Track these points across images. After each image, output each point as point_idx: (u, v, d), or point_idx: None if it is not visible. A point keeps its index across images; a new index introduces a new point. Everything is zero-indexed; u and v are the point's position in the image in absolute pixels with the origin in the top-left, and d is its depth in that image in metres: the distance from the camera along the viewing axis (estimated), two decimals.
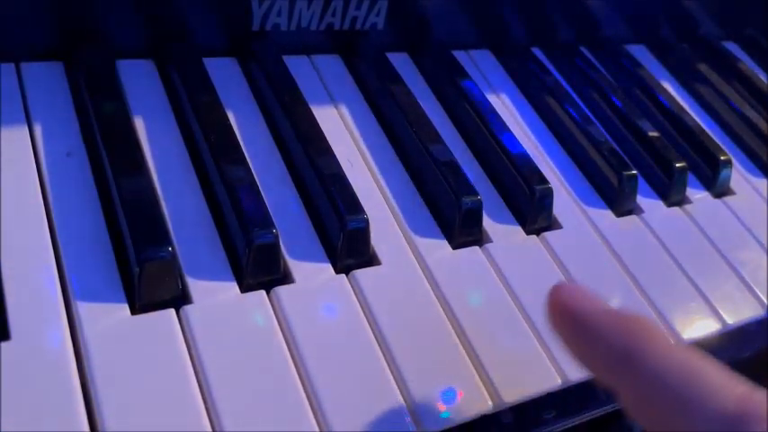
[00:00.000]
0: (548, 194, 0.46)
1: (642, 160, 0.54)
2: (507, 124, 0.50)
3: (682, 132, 0.59)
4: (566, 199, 0.49)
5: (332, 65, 0.52)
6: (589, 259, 0.45)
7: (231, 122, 0.42)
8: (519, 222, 0.45)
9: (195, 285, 0.35)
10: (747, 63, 0.73)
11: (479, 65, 0.59)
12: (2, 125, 0.38)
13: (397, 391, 0.33)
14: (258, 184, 0.39)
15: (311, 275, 0.37)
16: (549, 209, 0.46)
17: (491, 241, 0.43)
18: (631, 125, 0.56)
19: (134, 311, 0.33)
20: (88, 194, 0.37)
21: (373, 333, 0.35)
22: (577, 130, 0.53)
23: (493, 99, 0.55)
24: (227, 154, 0.40)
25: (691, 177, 0.54)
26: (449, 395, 0.34)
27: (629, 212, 0.50)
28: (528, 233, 0.45)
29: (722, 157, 0.55)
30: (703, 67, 0.69)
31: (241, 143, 0.41)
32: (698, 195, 0.54)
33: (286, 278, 0.37)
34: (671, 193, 0.52)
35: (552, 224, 0.47)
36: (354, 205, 0.39)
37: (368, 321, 0.36)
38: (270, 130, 0.45)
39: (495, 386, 0.35)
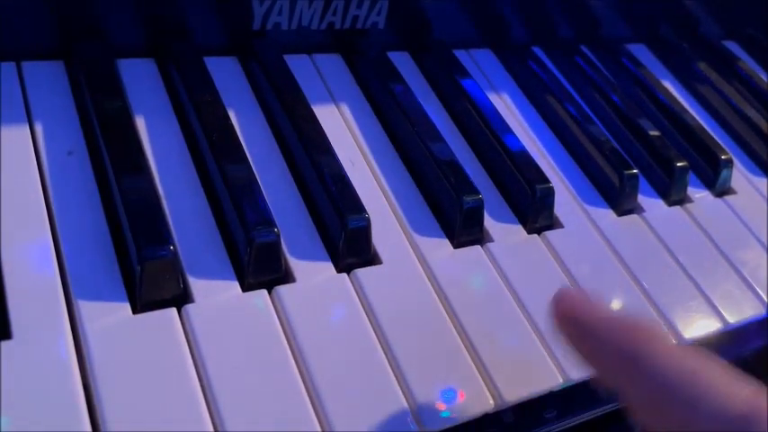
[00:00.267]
0: (549, 193, 0.46)
1: (643, 159, 0.54)
2: (508, 123, 0.50)
3: (682, 131, 0.59)
4: (567, 198, 0.49)
5: (333, 64, 0.52)
6: (590, 258, 0.45)
7: (232, 121, 0.42)
8: (520, 221, 0.45)
9: (196, 284, 0.35)
10: (748, 62, 0.73)
11: (480, 64, 0.59)
12: (3, 124, 0.38)
13: (399, 391, 0.33)
14: (259, 182, 0.39)
15: (312, 274, 0.37)
16: (550, 208, 0.46)
17: (492, 240, 0.43)
18: (632, 124, 0.56)
19: (135, 310, 0.33)
20: (89, 193, 0.37)
21: (374, 332, 0.36)
22: (578, 129, 0.53)
23: (494, 98, 0.55)
24: (228, 153, 0.40)
25: (691, 176, 0.54)
26: (450, 394, 0.34)
27: (630, 211, 0.50)
28: (529, 232, 0.45)
29: (723, 157, 0.55)
30: (703, 66, 0.69)
31: (242, 142, 0.41)
32: (699, 194, 0.54)
33: (287, 277, 0.37)
34: (672, 193, 0.52)
35: (553, 223, 0.46)
36: (355, 204, 0.39)
37: (369, 320, 0.36)
38: (271, 129, 0.45)
39: (497, 385, 0.35)
